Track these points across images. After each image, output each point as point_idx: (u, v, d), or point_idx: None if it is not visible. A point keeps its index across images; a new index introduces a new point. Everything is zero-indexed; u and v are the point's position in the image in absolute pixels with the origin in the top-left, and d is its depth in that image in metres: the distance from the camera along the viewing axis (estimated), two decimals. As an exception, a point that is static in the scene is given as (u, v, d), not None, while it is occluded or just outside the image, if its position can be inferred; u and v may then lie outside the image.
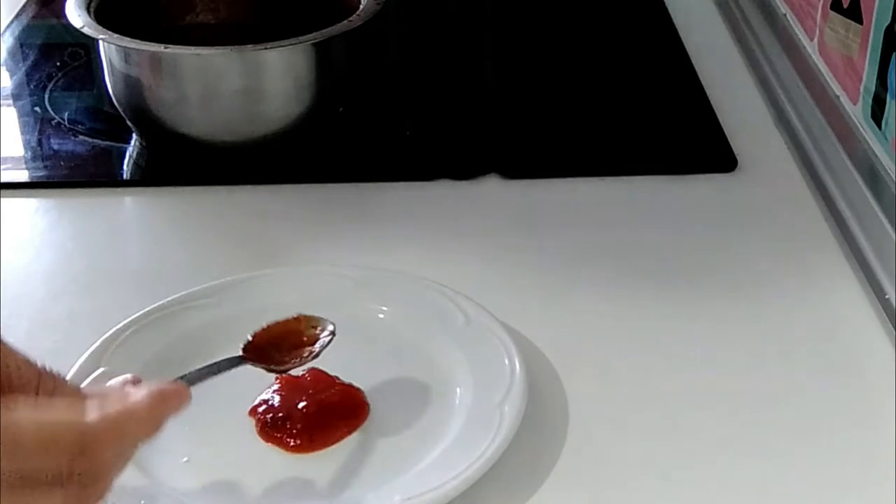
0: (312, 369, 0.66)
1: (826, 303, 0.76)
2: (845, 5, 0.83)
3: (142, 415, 0.48)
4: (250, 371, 0.66)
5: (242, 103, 0.88)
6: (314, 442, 0.63)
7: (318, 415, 0.64)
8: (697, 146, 0.95)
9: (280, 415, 0.64)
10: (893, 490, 0.60)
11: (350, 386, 0.66)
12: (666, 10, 1.19)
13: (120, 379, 0.54)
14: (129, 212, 0.90)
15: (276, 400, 0.65)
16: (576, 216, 0.86)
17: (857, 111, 0.82)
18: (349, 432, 0.63)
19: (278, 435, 0.63)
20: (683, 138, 0.96)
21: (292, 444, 0.63)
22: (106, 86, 0.92)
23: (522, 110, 1.01)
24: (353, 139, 0.95)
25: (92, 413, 0.46)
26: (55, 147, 0.95)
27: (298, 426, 0.63)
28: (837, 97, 0.86)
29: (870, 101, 0.79)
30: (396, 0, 0.97)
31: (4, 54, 1.11)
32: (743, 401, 0.67)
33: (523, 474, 0.62)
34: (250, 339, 0.64)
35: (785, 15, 1.00)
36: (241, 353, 0.63)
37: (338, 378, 0.66)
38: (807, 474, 0.62)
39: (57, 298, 0.77)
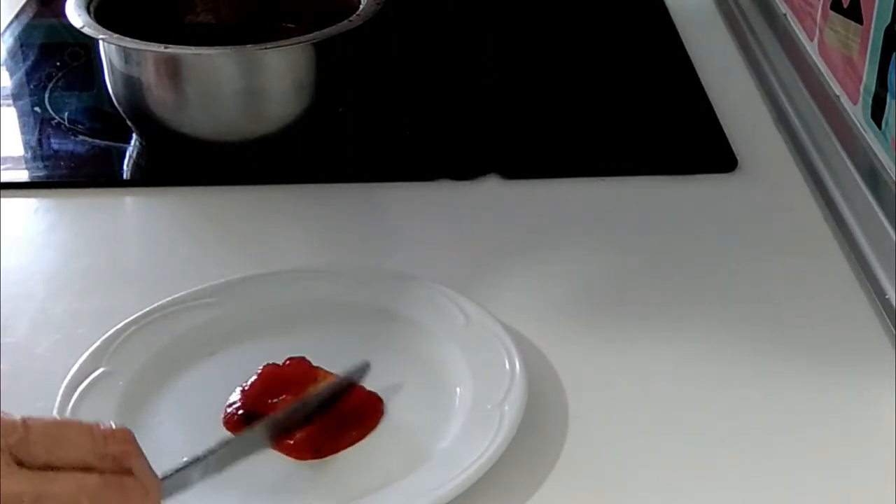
0: (321, 371, 0.66)
1: (826, 303, 0.76)
2: (845, 5, 0.83)
3: None
4: (252, 373, 0.66)
5: (242, 103, 0.88)
6: (321, 450, 0.62)
7: (324, 420, 0.63)
8: (697, 146, 0.95)
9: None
10: (893, 490, 0.60)
11: (370, 393, 0.65)
12: (666, 10, 1.19)
13: None
14: (129, 212, 0.90)
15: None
16: (576, 216, 0.86)
17: (857, 111, 0.82)
18: (359, 438, 0.63)
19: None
20: (683, 138, 0.96)
21: (296, 448, 0.62)
22: (106, 86, 0.92)
23: (522, 110, 1.01)
24: (353, 139, 0.95)
25: None
26: (55, 147, 0.95)
27: (303, 431, 0.62)
28: (837, 97, 0.86)
29: (870, 101, 0.79)
30: (396, 0, 0.97)
31: (4, 54, 1.10)
32: (742, 400, 0.67)
33: (523, 474, 0.62)
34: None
35: (785, 15, 1.00)
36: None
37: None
38: (807, 473, 0.62)
39: (57, 298, 0.77)
